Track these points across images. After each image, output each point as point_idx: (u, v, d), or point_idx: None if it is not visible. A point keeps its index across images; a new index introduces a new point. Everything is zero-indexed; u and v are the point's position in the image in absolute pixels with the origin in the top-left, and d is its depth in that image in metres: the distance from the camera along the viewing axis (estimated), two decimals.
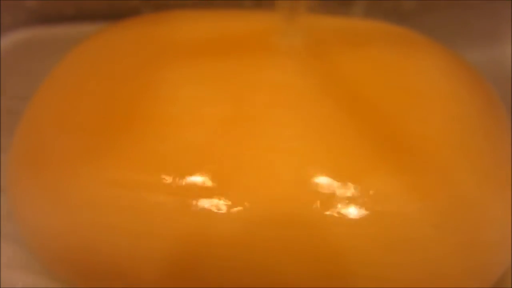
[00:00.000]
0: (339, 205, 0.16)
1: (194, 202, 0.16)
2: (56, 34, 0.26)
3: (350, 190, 0.16)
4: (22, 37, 0.26)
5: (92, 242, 0.17)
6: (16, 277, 0.21)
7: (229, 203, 0.16)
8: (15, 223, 0.20)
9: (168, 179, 0.16)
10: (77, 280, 0.19)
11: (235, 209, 0.16)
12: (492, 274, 0.18)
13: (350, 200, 0.16)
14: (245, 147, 0.17)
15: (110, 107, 0.18)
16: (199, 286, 0.17)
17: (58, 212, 0.17)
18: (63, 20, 0.27)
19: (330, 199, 0.16)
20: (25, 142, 0.19)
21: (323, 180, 0.16)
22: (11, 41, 0.26)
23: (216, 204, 0.16)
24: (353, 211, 0.16)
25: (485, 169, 0.17)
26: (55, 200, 0.17)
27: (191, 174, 0.16)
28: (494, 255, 0.17)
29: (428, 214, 0.16)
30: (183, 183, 0.16)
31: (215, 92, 0.18)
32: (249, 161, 0.16)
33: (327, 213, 0.16)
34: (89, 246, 0.17)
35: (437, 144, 0.17)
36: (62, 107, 0.19)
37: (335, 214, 0.16)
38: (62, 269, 0.19)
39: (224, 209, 0.16)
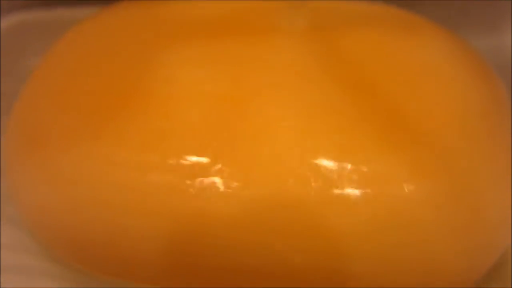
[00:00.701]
0: (338, 185, 0.16)
1: (191, 181, 0.16)
2: (55, 17, 0.26)
3: (349, 170, 0.16)
4: (20, 20, 0.26)
5: (89, 220, 0.17)
6: (16, 259, 0.20)
7: (227, 182, 0.16)
8: (13, 203, 0.19)
9: (166, 158, 0.16)
10: (75, 260, 0.19)
11: (233, 188, 0.16)
12: (491, 255, 0.18)
13: (350, 180, 0.16)
14: (244, 126, 0.17)
15: (108, 86, 0.18)
16: (196, 264, 0.17)
17: (55, 190, 0.17)
18: (61, 2, 0.26)
19: (329, 178, 0.16)
20: (22, 122, 0.19)
21: (322, 160, 0.16)
22: (10, 23, 0.26)
23: (214, 183, 0.16)
24: (352, 191, 0.16)
25: (486, 151, 0.17)
26: (53, 178, 0.17)
27: (189, 152, 0.16)
28: (493, 237, 0.17)
29: (428, 195, 0.16)
30: (181, 162, 0.16)
31: (215, 72, 0.17)
32: (248, 141, 0.16)
33: (326, 192, 0.16)
34: (86, 224, 0.17)
35: (438, 125, 0.17)
36: (60, 86, 0.19)
37: (334, 194, 0.16)
38: (60, 249, 0.19)
39: (222, 187, 0.16)
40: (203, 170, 0.16)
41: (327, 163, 0.16)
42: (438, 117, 0.17)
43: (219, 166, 0.16)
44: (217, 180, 0.16)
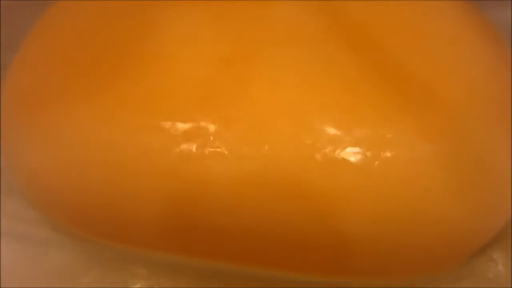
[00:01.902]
0: (340, 146, 0.15)
1: (191, 141, 0.16)
2: None
3: (353, 131, 0.16)
4: None
5: (87, 181, 0.17)
6: (15, 228, 0.20)
7: (226, 142, 0.16)
8: (10, 167, 0.19)
9: (165, 117, 0.16)
10: (73, 224, 0.19)
11: (232, 148, 0.16)
12: (496, 219, 0.17)
13: (353, 142, 0.16)
14: (245, 87, 0.16)
15: (105, 47, 0.17)
16: (194, 226, 0.17)
17: (52, 152, 0.17)
18: None
19: (333, 140, 0.16)
20: (18, 85, 0.19)
21: (326, 121, 0.16)
22: None
23: (212, 144, 0.16)
24: (355, 153, 0.15)
25: (494, 114, 0.17)
26: (49, 139, 0.17)
27: (188, 112, 0.16)
28: (498, 200, 0.17)
29: (433, 156, 0.16)
30: (180, 121, 0.16)
31: (216, 30, 0.17)
32: (248, 101, 0.16)
33: (328, 154, 0.15)
34: (83, 185, 0.17)
35: (446, 87, 0.17)
36: (56, 47, 0.18)
37: (336, 155, 0.15)
38: (57, 214, 0.19)
39: (220, 148, 0.16)
40: (202, 130, 0.16)
41: (331, 125, 0.16)
42: (446, 78, 0.17)
43: (219, 125, 0.16)
44: (216, 141, 0.16)
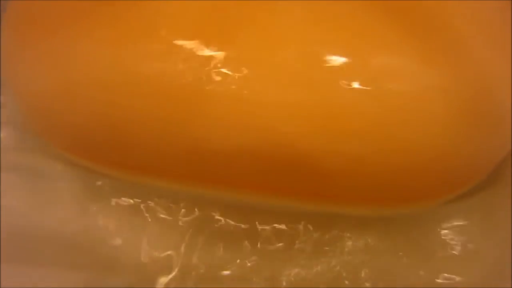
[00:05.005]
0: (345, 70, 0.15)
1: (193, 62, 0.16)
2: None
3: (357, 56, 0.16)
4: None
5: (88, 102, 0.17)
6: (12, 159, 0.20)
7: (230, 64, 0.16)
8: (11, 91, 0.19)
9: (168, 40, 0.16)
10: (74, 151, 0.19)
11: (236, 71, 0.16)
12: (497, 148, 0.17)
13: (357, 65, 0.16)
14: (251, 11, 0.16)
15: None
16: (197, 146, 0.16)
17: (52, 72, 0.17)
18: None
19: (336, 64, 0.15)
20: (20, 7, 0.18)
21: (330, 47, 0.16)
22: None
23: (216, 65, 0.16)
24: (359, 75, 0.15)
25: (496, 39, 0.17)
26: (49, 59, 0.17)
27: (192, 34, 0.16)
28: (500, 127, 0.17)
29: (436, 79, 0.16)
30: (183, 43, 0.16)
31: None
32: (249, 27, 0.16)
33: (333, 77, 0.15)
34: (84, 107, 0.17)
35: (450, 13, 0.16)
36: None
37: (341, 79, 0.15)
38: (59, 139, 0.19)
39: (224, 69, 0.16)
40: (205, 53, 0.16)
41: (333, 49, 0.16)
42: (449, 5, 0.17)
43: (220, 49, 0.16)
44: (218, 63, 0.16)
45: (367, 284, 0.18)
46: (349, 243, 0.18)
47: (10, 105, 0.20)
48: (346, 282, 0.18)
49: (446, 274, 0.18)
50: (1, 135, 0.20)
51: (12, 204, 0.19)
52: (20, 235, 0.19)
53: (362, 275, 0.18)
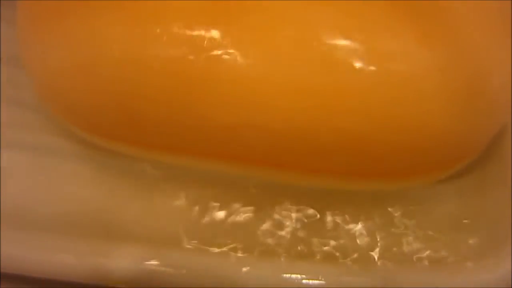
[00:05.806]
0: (344, 50, 0.16)
1: (201, 43, 0.16)
2: None
3: (356, 37, 0.16)
4: None
5: (102, 80, 0.17)
6: (16, 136, 0.21)
7: (236, 45, 0.16)
8: (26, 71, 0.19)
9: (176, 24, 0.16)
10: (87, 127, 0.19)
11: (241, 51, 0.16)
12: (491, 125, 0.18)
13: (356, 45, 0.16)
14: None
15: None
16: (204, 125, 0.17)
17: (67, 51, 0.17)
18: None
19: (336, 45, 0.16)
20: None
21: (331, 29, 0.16)
22: None
23: (221, 46, 0.16)
24: (357, 55, 0.16)
25: (493, 22, 0.17)
26: (64, 39, 0.17)
27: (197, 16, 0.16)
28: (494, 105, 0.17)
29: (432, 58, 0.16)
30: (190, 25, 0.16)
31: None
32: (255, 14, 0.17)
33: (332, 57, 0.16)
34: (98, 85, 0.17)
35: None
36: None
37: (340, 58, 0.16)
38: (73, 118, 0.19)
39: (229, 49, 0.16)
40: (210, 34, 0.16)
41: (334, 31, 0.16)
42: None
43: (225, 31, 0.16)
44: (223, 43, 0.16)
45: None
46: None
47: (17, 83, 0.21)
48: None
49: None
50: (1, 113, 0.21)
51: (28, 184, 0.20)
52: (29, 212, 0.19)
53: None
